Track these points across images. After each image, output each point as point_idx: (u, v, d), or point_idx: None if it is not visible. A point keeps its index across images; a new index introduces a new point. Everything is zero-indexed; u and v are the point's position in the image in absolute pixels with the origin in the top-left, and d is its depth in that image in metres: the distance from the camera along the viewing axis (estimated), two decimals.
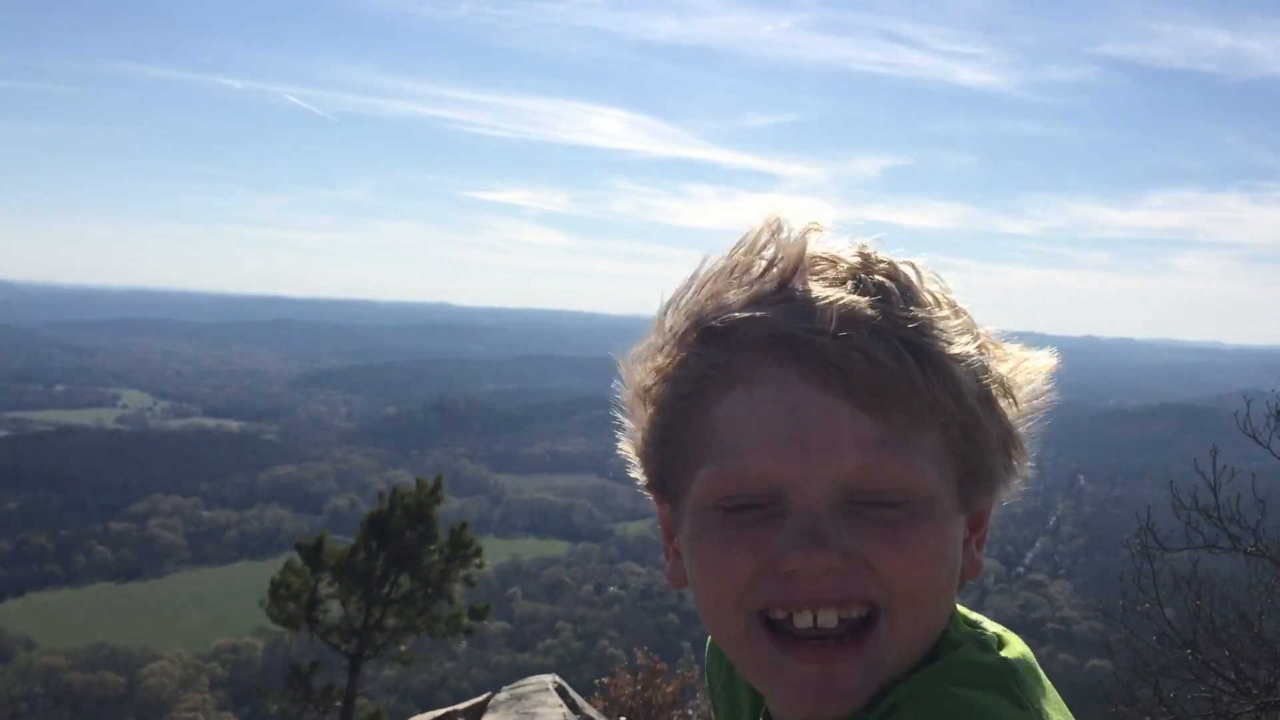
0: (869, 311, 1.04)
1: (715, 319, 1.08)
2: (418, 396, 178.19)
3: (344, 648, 20.51)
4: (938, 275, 1.15)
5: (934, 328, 1.06)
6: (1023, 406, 1.15)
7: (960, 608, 1.16)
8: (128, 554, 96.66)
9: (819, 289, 1.06)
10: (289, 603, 20.09)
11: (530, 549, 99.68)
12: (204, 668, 67.41)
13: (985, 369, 1.10)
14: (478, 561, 21.11)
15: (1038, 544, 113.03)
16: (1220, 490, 6.61)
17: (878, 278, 1.08)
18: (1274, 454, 6.62)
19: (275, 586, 20.10)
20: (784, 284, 1.07)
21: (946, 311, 1.10)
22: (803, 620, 1.03)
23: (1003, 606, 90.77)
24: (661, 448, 1.14)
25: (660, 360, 1.12)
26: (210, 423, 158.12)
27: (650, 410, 1.14)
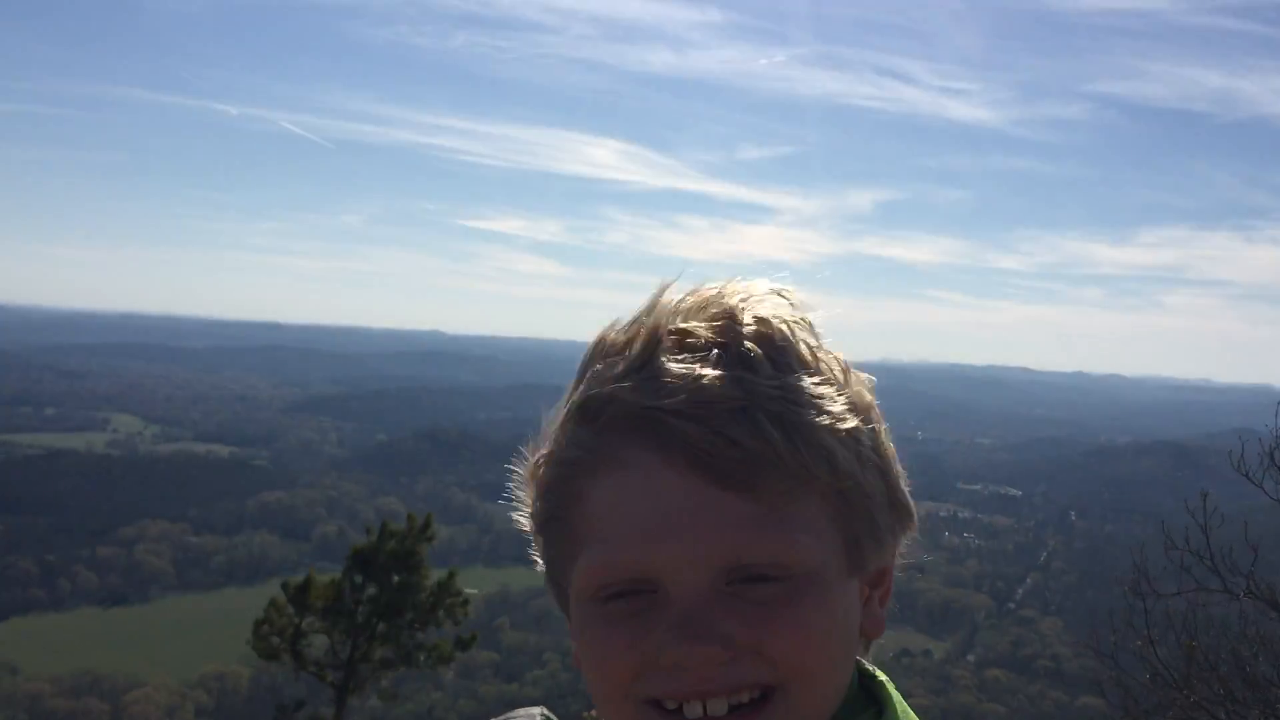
0: (729, 389, 1.01)
1: (586, 398, 1.07)
2: (409, 424, 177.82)
3: (329, 679, 20.34)
4: (811, 330, 1.11)
5: (802, 396, 1.03)
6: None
7: (859, 660, 1.15)
8: (114, 579, 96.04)
9: (677, 365, 1.03)
10: (273, 637, 19.92)
11: (519, 579, 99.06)
12: (190, 695, 66.83)
13: (867, 431, 1.07)
14: (463, 611, 20.90)
15: (1029, 580, 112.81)
16: (1211, 532, 6.61)
17: (745, 345, 1.05)
18: (1268, 494, 6.61)
19: (258, 624, 19.90)
20: (646, 359, 1.05)
21: (824, 374, 1.07)
22: (693, 710, 1.01)
23: (993, 643, 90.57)
24: (545, 534, 1.13)
25: (547, 441, 1.12)
26: (200, 448, 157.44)
27: (534, 494, 1.14)
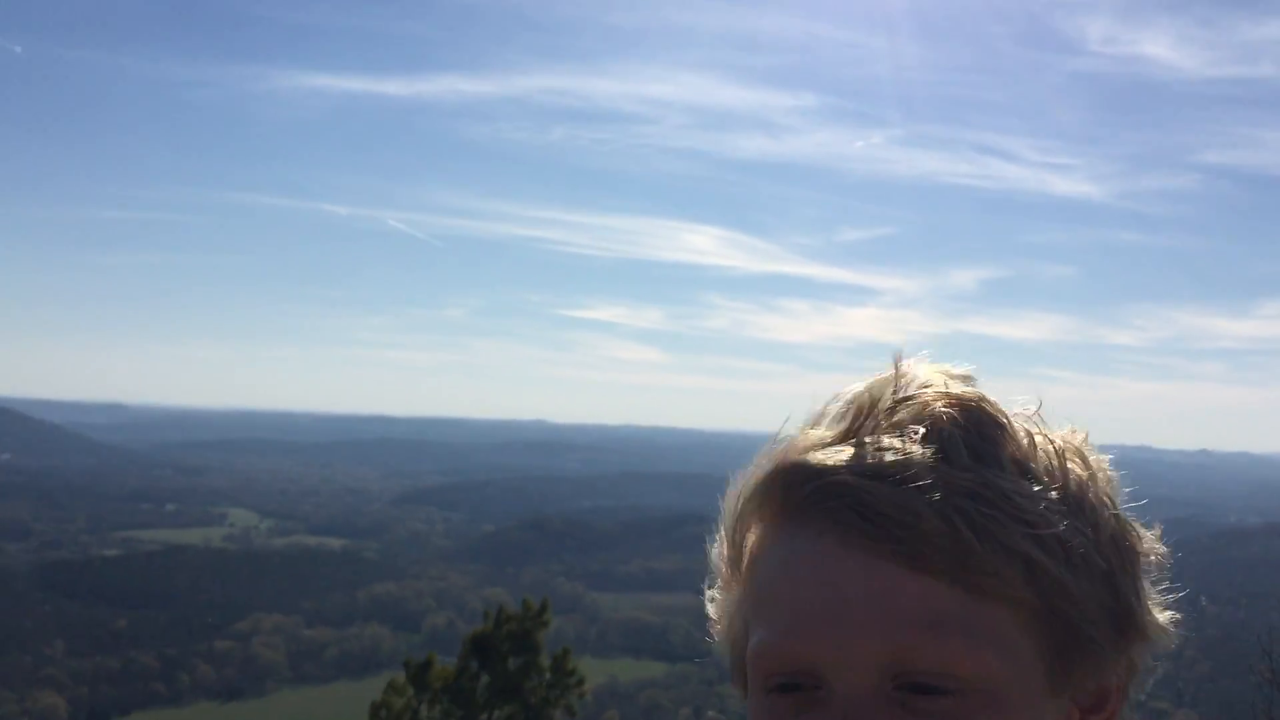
0: (923, 473, 0.93)
1: (781, 462, 1.00)
2: (514, 514, 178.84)
3: None
4: (1034, 419, 1.03)
5: (997, 494, 0.94)
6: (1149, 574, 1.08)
7: None
8: (231, 673, 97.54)
9: (882, 438, 0.97)
10: None
11: (627, 670, 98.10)
12: None
13: (1085, 533, 0.97)
14: (579, 692, 20.78)
15: (1159, 670, 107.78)
16: None
17: (950, 429, 0.97)
18: None
19: (375, 709, 20.00)
20: (850, 430, 1.00)
21: (1036, 471, 0.98)
22: None
23: None
24: (726, 605, 1.09)
25: (741, 505, 1.05)
26: (312, 540, 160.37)
27: (723, 556, 1.09)
